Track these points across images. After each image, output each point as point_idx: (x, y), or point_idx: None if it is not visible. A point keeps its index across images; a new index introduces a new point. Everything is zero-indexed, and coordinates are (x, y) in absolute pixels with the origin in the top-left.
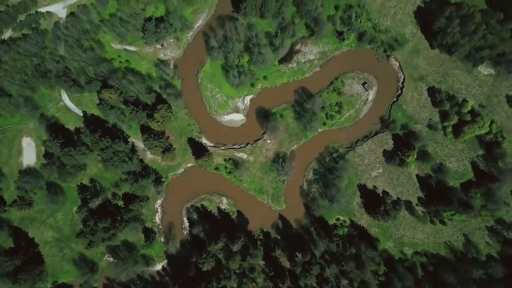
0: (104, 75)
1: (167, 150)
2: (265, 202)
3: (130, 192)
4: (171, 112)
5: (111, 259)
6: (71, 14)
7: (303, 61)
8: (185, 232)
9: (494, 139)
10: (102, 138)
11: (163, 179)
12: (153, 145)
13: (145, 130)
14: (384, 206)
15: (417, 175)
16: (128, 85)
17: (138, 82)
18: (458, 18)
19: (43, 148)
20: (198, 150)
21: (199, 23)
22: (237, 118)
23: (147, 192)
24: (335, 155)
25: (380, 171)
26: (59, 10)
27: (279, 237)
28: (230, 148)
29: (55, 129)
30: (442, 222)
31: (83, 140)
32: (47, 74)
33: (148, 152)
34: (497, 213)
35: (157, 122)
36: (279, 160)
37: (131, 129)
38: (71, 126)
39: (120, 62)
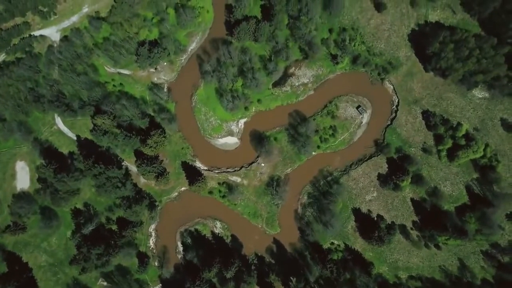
0: (97, 99)
1: (161, 174)
2: (259, 226)
3: (124, 216)
4: (165, 137)
5: (105, 283)
6: (65, 38)
7: (297, 84)
8: (179, 256)
9: (489, 163)
10: (95, 164)
11: (157, 203)
12: (146, 171)
13: (139, 154)
14: (378, 232)
15: (412, 199)
16: (122, 109)
17: (131, 107)
18: (452, 42)
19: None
20: (192, 174)
21: (193, 46)
22: (231, 141)
23: (141, 217)
24: (329, 178)
25: (375, 195)
26: (53, 34)
27: (273, 262)
28: (224, 172)
29: (48, 153)
30: (437, 246)
31: (76, 166)
32: (40, 99)
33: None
34: (492, 238)
35: (151, 147)
36: (273, 183)
37: (125, 153)
38: (65, 150)
39: (114, 85)
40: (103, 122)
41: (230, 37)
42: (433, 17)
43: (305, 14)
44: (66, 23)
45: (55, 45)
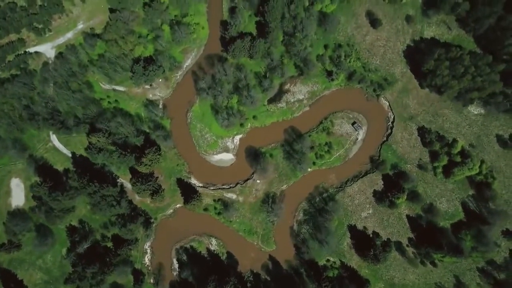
0: (93, 116)
1: (156, 192)
2: (255, 243)
3: (119, 235)
4: (160, 155)
5: None
6: (60, 54)
7: (292, 100)
8: (174, 274)
9: (485, 179)
10: (90, 183)
11: (152, 220)
12: (141, 189)
13: (134, 171)
14: (374, 251)
15: (408, 216)
16: (117, 126)
17: (127, 124)
18: (447, 60)
19: None
20: (187, 191)
21: (188, 62)
22: (227, 157)
23: (136, 234)
24: (325, 195)
25: (370, 211)
26: (48, 50)
27: (269, 279)
28: (219, 188)
29: (43, 170)
30: (433, 263)
31: (70, 184)
32: (35, 116)
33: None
34: (488, 255)
35: (145, 165)
36: (268, 200)
37: (120, 170)
38: (60, 167)
39: (109, 102)
40: (97, 140)
41: (225, 54)
42: (429, 33)
43: (300, 31)
44: (61, 40)
45: (50, 61)
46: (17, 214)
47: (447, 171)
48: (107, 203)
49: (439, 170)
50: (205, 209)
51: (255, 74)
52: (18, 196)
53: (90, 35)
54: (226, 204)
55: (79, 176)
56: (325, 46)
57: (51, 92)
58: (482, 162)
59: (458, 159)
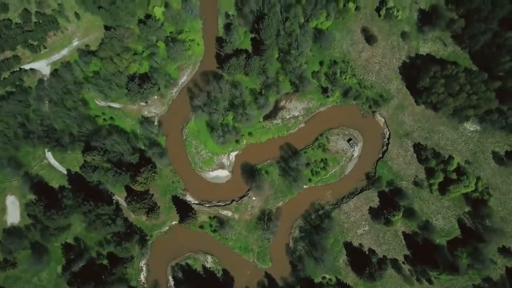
0: (88, 134)
1: (151, 210)
2: (251, 260)
3: (115, 253)
4: (155, 173)
5: None
6: (55, 71)
7: (287, 117)
8: None
9: (481, 196)
10: (85, 202)
11: (147, 238)
12: (136, 208)
13: (130, 189)
14: (369, 269)
15: (404, 233)
16: (113, 144)
17: (122, 142)
18: (442, 78)
19: None
20: (183, 208)
21: (184, 79)
22: (222, 174)
23: (132, 252)
24: (320, 212)
25: (366, 228)
26: (43, 67)
27: None
28: (214, 206)
29: (39, 187)
30: (429, 281)
31: (65, 203)
32: (30, 134)
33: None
34: (484, 272)
35: (140, 184)
36: (264, 217)
37: (115, 187)
38: (55, 184)
39: (104, 119)
40: (92, 159)
41: (221, 71)
42: (424, 49)
43: (296, 48)
44: (56, 57)
45: (45, 78)
46: (12, 232)
47: (443, 188)
48: (102, 222)
49: (435, 187)
50: (201, 227)
51: (250, 91)
52: (13, 214)
53: (85, 52)
54: (221, 222)
55: (74, 194)
56: (321, 63)
57: (46, 109)
58: (478, 179)
59: (454, 176)
